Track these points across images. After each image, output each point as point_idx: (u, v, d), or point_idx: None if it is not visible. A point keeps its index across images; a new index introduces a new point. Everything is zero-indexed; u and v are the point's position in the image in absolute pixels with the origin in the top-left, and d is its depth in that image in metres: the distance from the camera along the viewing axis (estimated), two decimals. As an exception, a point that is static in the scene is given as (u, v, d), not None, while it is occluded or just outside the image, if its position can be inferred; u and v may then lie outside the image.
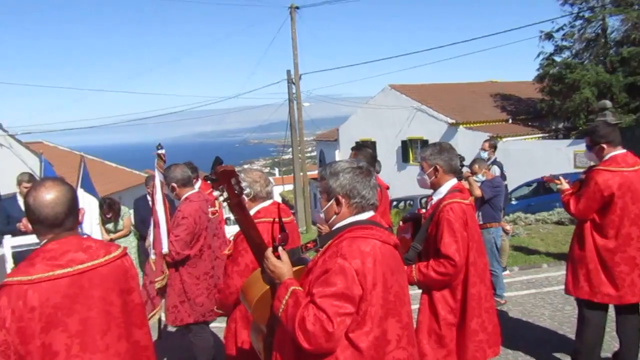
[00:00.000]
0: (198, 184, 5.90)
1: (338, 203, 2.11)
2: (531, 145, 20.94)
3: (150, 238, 4.43)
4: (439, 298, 3.12)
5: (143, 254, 6.91)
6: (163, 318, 4.55)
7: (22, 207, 6.87)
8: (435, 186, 3.31)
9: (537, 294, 6.34)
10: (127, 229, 7.44)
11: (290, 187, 42.38)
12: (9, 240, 6.77)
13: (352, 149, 4.30)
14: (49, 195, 2.01)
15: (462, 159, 3.52)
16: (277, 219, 2.24)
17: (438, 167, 3.25)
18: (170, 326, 4.43)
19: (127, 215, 7.54)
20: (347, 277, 1.89)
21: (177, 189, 4.36)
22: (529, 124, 24.06)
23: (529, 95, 25.85)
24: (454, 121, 22.74)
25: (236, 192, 2.03)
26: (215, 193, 2.03)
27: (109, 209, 7.22)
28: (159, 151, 4.29)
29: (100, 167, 22.11)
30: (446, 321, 3.09)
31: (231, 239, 3.31)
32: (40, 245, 2.06)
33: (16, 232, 6.74)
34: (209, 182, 2.04)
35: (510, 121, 24.23)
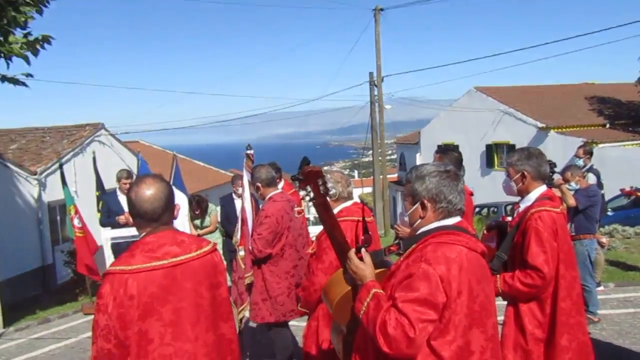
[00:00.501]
0: (281, 185, 6.04)
1: (423, 207, 2.08)
2: (632, 153, 19.38)
3: (238, 235, 4.59)
4: (525, 311, 2.97)
5: (227, 250, 7.17)
6: (247, 314, 4.70)
7: (121, 202, 7.41)
8: (522, 193, 3.17)
9: (636, 313, 5.86)
10: (213, 225, 7.76)
11: (369, 189, 42.27)
12: (108, 232, 7.31)
13: (437, 152, 4.21)
14: (149, 192, 2.15)
15: (553, 165, 3.34)
16: (361, 219, 2.24)
17: (526, 173, 3.11)
18: (251, 322, 4.57)
19: (214, 212, 7.87)
20: (431, 283, 1.85)
21: (262, 188, 4.48)
22: (630, 129, 22.29)
23: (630, 99, 23.95)
24: (544, 125, 21.60)
25: (322, 192, 2.06)
26: (302, 193, 2.08)
27: (197, 206, 7.57)
28: (248, 151, 4.44)
29: (189, 165, 23.29)
30: (533, 336, 2.94)
31: (314, 238, 3.36)
32: (139, 238, 2.20)
33: (115, 225, 7.27)
34: (295, 181, 2.08)
35: (607, 126, 22.61)
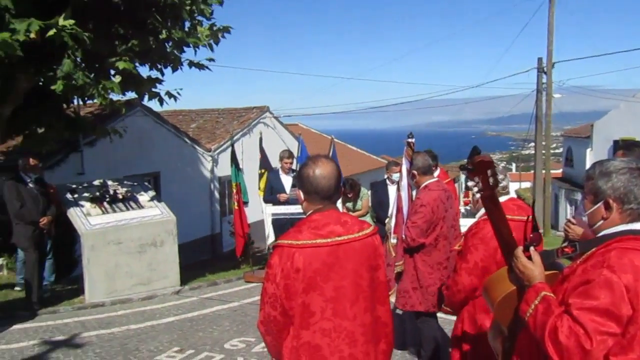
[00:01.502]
0: (437, 173, 5.91)
1: (607, 207, 1.87)
2: None
3: (392, 222, 4.62)
4: None
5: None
6: (392, 300, 4.73)
7: (282, 180, 7.92)
8: None
9: None
10: (364, 209, 7.91)
11: (527, 184, 39.37)
12: (270, 208, 7.88)
13: (620, 147, 3.73)
14: (326, 170, 2.26)
15: None
16: (515, 218, 2.09)
17: None
18: (397, 309, 4.59)
19: (366, 196, 8.01)
20: (614, 292, 1.67)
21: (418, 176, 4.43)
22: None
23: None
24: None
25: (491, 184, 1.97)
26: (470, 183, 2.01)
27: (351, 189, 7.77)
28: (410, 139, 4.41)
29: (343, 149, 23.92)
30: None
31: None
32: (306, 215, 2.33)
33: (276, 202, 7.81)
34: (463, 171, 2.02)
35: None
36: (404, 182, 4.47)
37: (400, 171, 4.74)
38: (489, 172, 1.97)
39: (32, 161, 6.82)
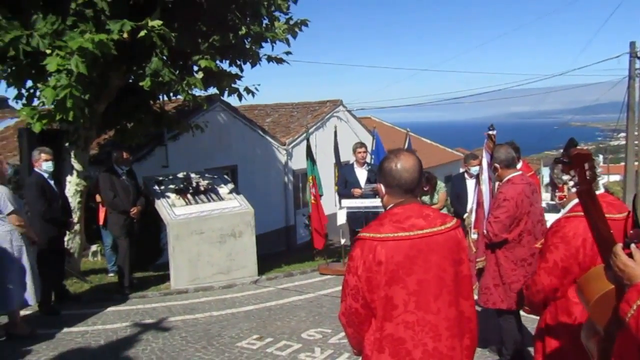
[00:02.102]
0: (519, 165, 5.68)
1: None
2: None
3: (472, 217, 4.50)
4: None
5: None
6: (475, 297, 4.62)
7: (357, 173, 7.93)
8: None
9: None
10: (441, 203, 7.75)
11: (616, 177, 36.82)
12: (345, 202, 7.92)
13: None
14: (409, 163, 2.25)
15: None
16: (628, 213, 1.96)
17: None
18: (477, 306, 4.47)
19: (442, 190, 7.85)
20: None
21: (500, 169, 4.28)
22: None
23: None
24: None
25: (588, 177, 1.87)
26: (565, 177, 1.91)
27: (427, 182, 7.64)
28: (491, 132, 4.27)
29: (417, 142, 23.48)
30: None
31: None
32: (387, 209, 2.32)
33: (350, 195, 7.83)
34: (558, 165, 1.93)
35: None
36: (485, 175, 4.33)
37: (480, 164, 4.60)
38: (586, 165, 1.87)
39: (125, 154, 7.28)
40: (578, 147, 1.89)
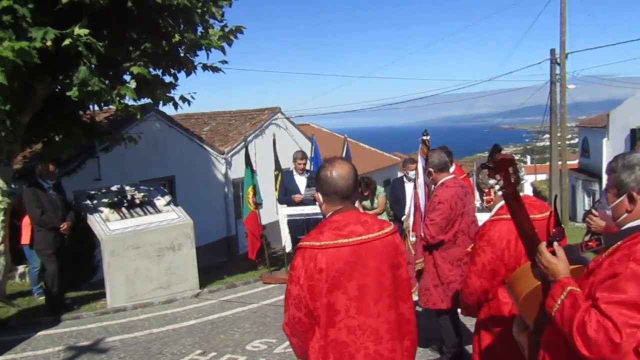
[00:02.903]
0: (452, 169, 5.89)
1: (631, 200, 1.86)
2: None
3: (410, 221, 4.62)
4: None
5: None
6: (415, 299, 4.73)
7: (296, 181, 7.94)
8: None
9: None
10: (381, 207, 7.89)
11: (543, 176, 38.95)
12: (285, 210, 7.90)
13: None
14: (343, 171, 2.28)
15: None
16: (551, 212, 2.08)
17: None
18: (418, 307, 4.59)
19: (382, 194, 7.99)
20: (642, 285, 1.66)
21: (434, 173, 4.42)
22: None
23: None
24: None
25: (513, 181, 1.97)
26: (491, 181, 2.00)
27: (366, 188, 7.76)
28: (425, 137, 4.40)
29: (355, 148, 23.87)
30: None
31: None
32: (326, 217, 2.34)
33: (291, 202, 7.83)
34: (484, 170, 2.02)
35: None
36: (420, 179, 4.47)
37: (416, 169, 4.73)
38: (510, 169, 1.97)
39: (50, 167, 6.91)
40: (502, 153, 1.99)
